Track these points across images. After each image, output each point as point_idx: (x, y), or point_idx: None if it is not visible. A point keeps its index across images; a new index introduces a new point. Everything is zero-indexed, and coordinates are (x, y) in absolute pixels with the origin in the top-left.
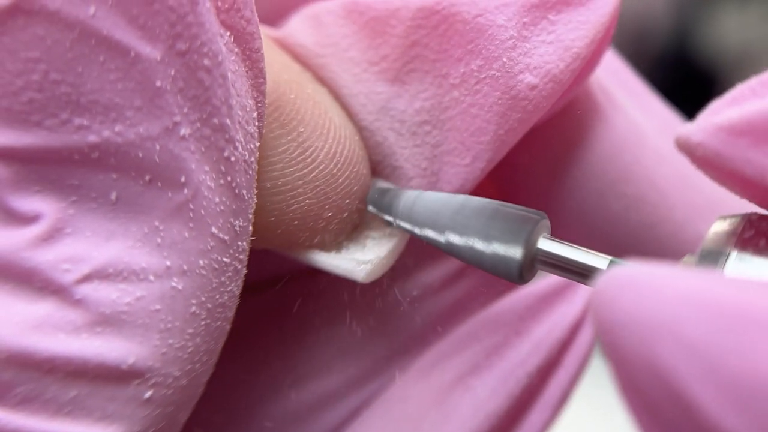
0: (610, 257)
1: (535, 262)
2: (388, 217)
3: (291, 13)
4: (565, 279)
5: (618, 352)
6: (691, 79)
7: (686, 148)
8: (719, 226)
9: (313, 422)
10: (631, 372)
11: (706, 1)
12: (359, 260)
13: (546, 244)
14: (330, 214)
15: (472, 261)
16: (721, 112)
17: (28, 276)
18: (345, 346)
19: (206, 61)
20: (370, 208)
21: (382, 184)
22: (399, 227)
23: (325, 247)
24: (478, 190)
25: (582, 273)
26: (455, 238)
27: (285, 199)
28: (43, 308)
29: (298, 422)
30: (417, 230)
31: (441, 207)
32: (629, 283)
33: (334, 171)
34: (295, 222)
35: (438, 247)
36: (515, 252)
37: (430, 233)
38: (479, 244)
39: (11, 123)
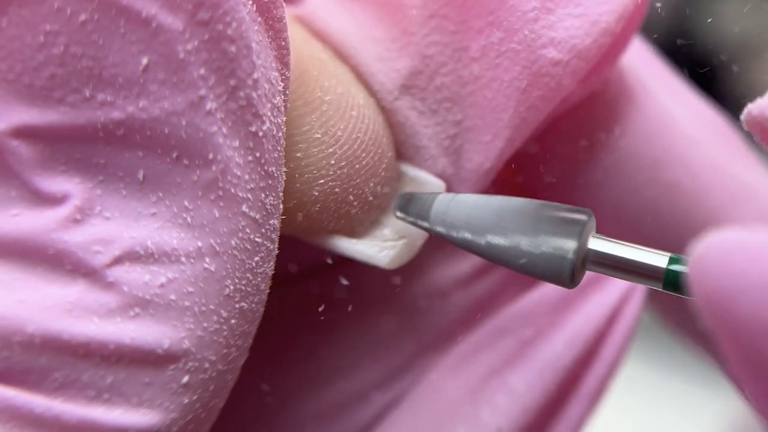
0: (668, 253)
1: (586, 263)
2: (420, 222)
3: None
4: None
5: (735, 319)
6: (690, 69)
7: (759, 122)
8: None
9: (345, 420)
10: (752, 339)
11: None
12: (382, 246)
13: (598, 243)
14: (353, 197)
15: (516, 264)
16: None
17: (58, 258)
18: (375, 343)
19: (230, 31)
20: (398, 214)
21: (408, 190)
22: (433, 232)
23: (348, 232)
24: (504, 184)
25: (638, 272)
26: (497, 240)
27: (307, 181)
28: (75, 291)
29: (329, 420)
30: (454, 234)
31: (478, 208)
32: (737, 248)
33: (358, 152)
34: (318, 206)
35: (477, 252)
36: (567, 252)
37: (468, 236)
38: (525, 245)
39: (34, 100)
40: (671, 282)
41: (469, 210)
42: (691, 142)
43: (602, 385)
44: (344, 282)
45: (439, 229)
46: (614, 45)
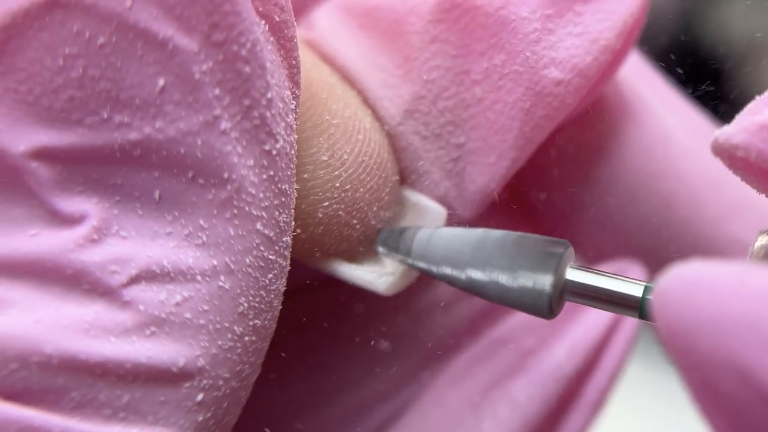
0: (644, 282)
1: (564, 294)
2: (400, 257)
3: (309, 9)
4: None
5: (694, 353)
6: (697, 71)
7: (725, 149)
8: (763, 240)
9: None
10: (710, 374)
11: None
12: (381, 272)
13: (575, 274)
14: (356, 221)
15: (496, 297)
16: (761, 111)
17: (76, 278)
18: (377, 355)
19: (244, 52)
20: (381, 249)
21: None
22: (415, 267)
23: (348, 256)
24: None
25: (615, 302)
26: (477, 274)
27: (312, 203)
28: (92, 311)
29: None
30: (434, 269)
31: (458, 242)
32: (698, 282)
33: (363, 176)
34: (321, 228)
35: (457, 285)
36: (544, 285)
37: (449, 271)
38: (504, 279)
39: (52, 122)
40: (646, 311)
41: (449, 244)
42: (687, 154)
43: (603, 394)
44: (346, 295)
45: (421, 264)
46: (614, 60)
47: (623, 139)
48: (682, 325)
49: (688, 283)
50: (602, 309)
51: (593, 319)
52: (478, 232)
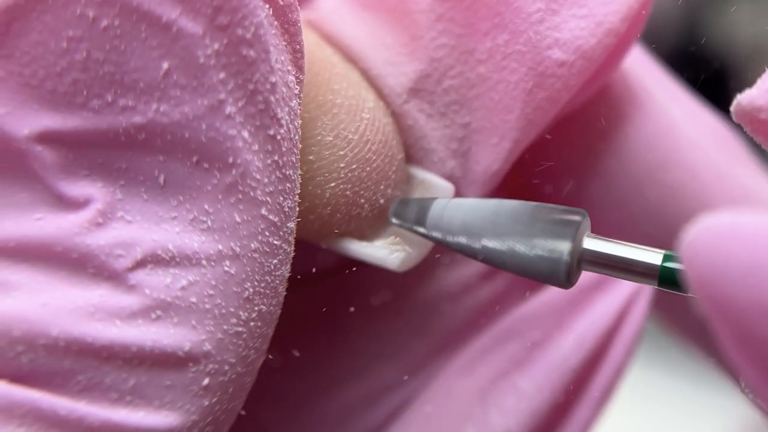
0: (663, 251)
1: (581, 263)
2: (416, 228)
3: None
4: None
5: (728, 301)
6: (703, 73)
7: (748, 112)
8: None
9: (356, 421)
10: (745, 321)
11: None
12: (392, 248)
13: (592, 243)
14: (363, 200)
15: (512, 266)
16: None
17: (81, 262)
18: (385, 346)
19: (248, 35)
20: (394, 221)
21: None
22: (429, 238)
23: (358, 235)
24: (509, 185)
25: (634, 270)
26: (493, 243)
27: (319, 184)
28: (97, 294)
29: (340, 422)
30: (450, 238)
31: (474, 212)
32: (730, 230)
33: (369, 155)
34: (329, 209)
35: (473, 256)
36: (562, 253)
37: (464, 240)
38: (521, 248)
39: (57, 106)
40: (666, 279)
41: (465, 214)
42: (692, 145)
43: (610, 386)
44: (354, 285)
45: (436, 234)
46: (619, 46)
47: (629, 129)
48: (716, 273)
49: (719, 231)
50: (620, 278)
51: (600, 312)
52: (494, 202)
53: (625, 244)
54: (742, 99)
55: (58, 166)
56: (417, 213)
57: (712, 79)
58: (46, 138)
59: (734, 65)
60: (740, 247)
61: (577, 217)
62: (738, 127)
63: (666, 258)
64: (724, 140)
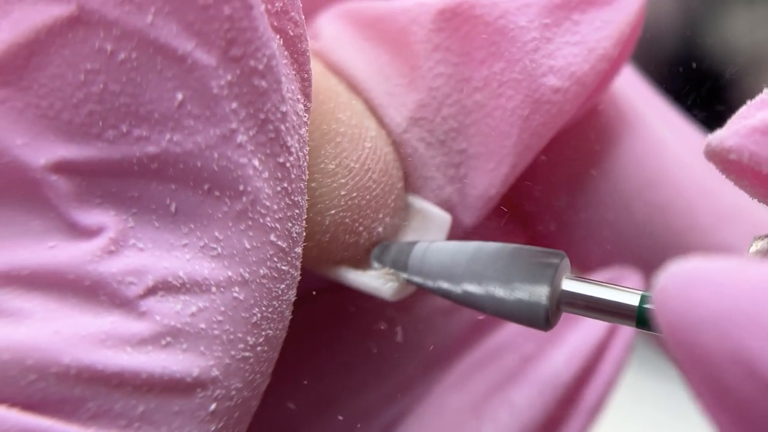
0: (641, 291)
1: (560, 305)
2: (397, 273)
3: (316, 14)
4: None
5: (697, 348)
6: (701, 83)
7: (718, 153)
8: (758, 246)
9: None
10: (713, 368)
11: (713, 4)
12: (387, 278)
13: (571, 285)
14: (362, 228)
15: (492, 310)
16: (753, 115)
17: (93, 290)
18: (380, 361)
19: (261, 66)
20: (376, 266)
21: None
22: (410, 282)
23: (354, 262)
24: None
25: (612, 312)
26: (473, 288)
27: (320, 211)
28: (108, 322)
29: None
30: (430, 283)
31: (453, 256)
32: (698, 277)
33: (369, 184)
34: (327, 236)
35: (454, 299)
36: (540, 297)
37: (445, 285)
38: (500, 292)
39: (72, 136)
40: (644, 320)
41: (444, 258)
42: (681, 164)
43: (601, 400)
44: (347, 303)
45: (417, 279)
46: (610, 69)
47: (618, 147)
48: (684, 320)
49: (689, 278)
50: (599, 319)
51: (591, 326)
52: (473, 245)
53: (603, 285)
54: (712, 140)
55: (72, 195)
56: (398, 257)
57: (709, 88)
58: (62, 168)
59: (732, 74)
60: (709, 294)
61: (555, 260)
62: None
63: (643, 299)
64: None
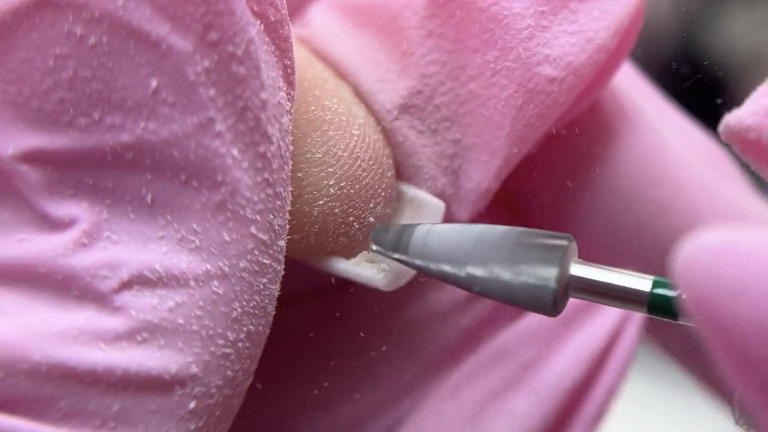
0: (652, 276)
1: (568, 290)
2: (396, 256)
3: (304, 8)
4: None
5: (724, 321)
6: (699, 83)
7: (737, 132)
8: None
9: None
10: (741, 341)
11: (712, 4)
12: (380, 267)
13: (579, 269)
14: (352, 218)
15: (497, 295)
16: None
17: (65, 284)
18: (374, 366)
19: (239, 52)
20: (374, 248)
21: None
22: (411, 265)
23: (346, 253)
24: (496, 203)
25: (622, 297)
26: (477, 271)
27: (307, 202)
28: (82, 317)
29: None
30: (432, 266)
31: (457, 238)
32: (724, 248)
33: (358, 172)
34: (316, 227)
35: (457, 284)
36: (548, 280)
37: (447, 268)
38: (506, 275)
39: (42, 124)
40: (656, 306)
41: (448, 241)
42: (682, 162)
43: (603, 409)
44: (343, 304)
45: (418, 262)
46: (609, 61)
47: (619, 145)
48: (711, 292)
49: (714, 250)
50: (609, 305)
51: (593, 331)
52: (478, 228)
53: (613, 270)
54: (730, 119)
55: (43, 186)
56: (398, 240)
57: (708, 88)
58: (32, 157)
59: (731, 74)
60: (735, 265)
61: (563, 242)
62: (728, 145)
63: (656, 284)
64: (714, 157)
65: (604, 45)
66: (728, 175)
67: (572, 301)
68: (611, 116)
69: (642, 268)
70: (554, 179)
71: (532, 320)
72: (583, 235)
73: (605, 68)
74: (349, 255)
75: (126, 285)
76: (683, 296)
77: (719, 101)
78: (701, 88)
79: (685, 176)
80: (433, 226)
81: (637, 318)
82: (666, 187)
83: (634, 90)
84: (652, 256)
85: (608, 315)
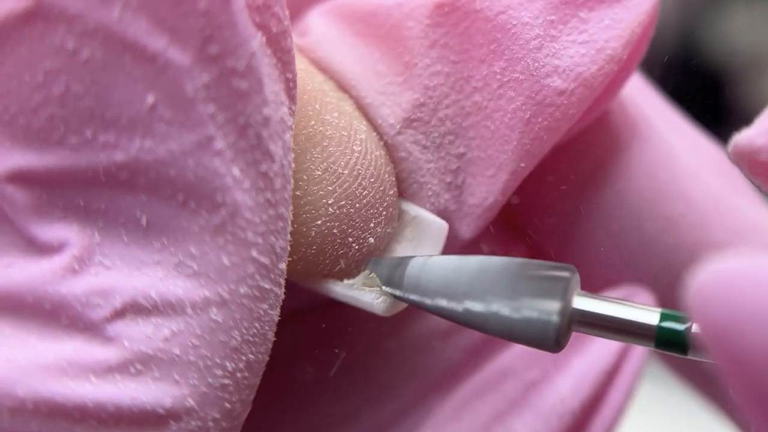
0: (660, 309)
1: (572, 324)
2: (390, 290)
3: (301, 14)
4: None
5: (741, 351)
6: (700, 83)
7: (746, 153)
8: None
9: None
10: (760, 371)
11: (713, 3)
12: (379, 292)
13: (583, 302)
14: (351, 239)
15: (497, 330)
16: None
17: (54, 313)
18: (373, 388)
19: (240, 66)
20: (367, 279)
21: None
22: (406, 300)
23: (345, 275)
24: (500, 218)
25: (629, 332)
26: (476, 306)
27: (305, 222)
28: (71, 348)
29: None
30: (428, 301)
31: (455, 272)
32: (740, 276)
33: (359, 191)
34: (314, 248)
35: (454, 319)
36: (550, 314)
37: (444, 303)
38: (505, 310)
39: (30, 143)
40: (664, 340)
41: (444, 274)
42: (692, 175)
43: (609, 430)
44: (339, 323)
45: (413, 297)
46: (620, 72)
47: (628, 158)
48: (728, 324)
49: (730, 278)
50: (614, 339)
51: (599, 350)
52: (476, 260)
53: (618, 302)
54: (740, 139)
55: (31, 208)
56: (392, 273)
57: (709, 88)
58: (18, 178)
59: (732, 74)
60: (756, 293)
61: (566, 274)
62: None
63: (664, 317)
64: (722, 169)
65: (615, 55)
66: (738, 187)
67: None
68: (620, 127)
69: (649, 286)
70: (560, 193)
71: None
72: (590, 251)
73: (616, 79)
74: (348, 276)
75: (119, 313)
76: (697, 328)
77: (719, 100)
78: (701, 88)
79: (696, 190)
80: (429, 258)
81: None
82: (676, 201)
83: (643, 99)
84: (660, 273)
85: None
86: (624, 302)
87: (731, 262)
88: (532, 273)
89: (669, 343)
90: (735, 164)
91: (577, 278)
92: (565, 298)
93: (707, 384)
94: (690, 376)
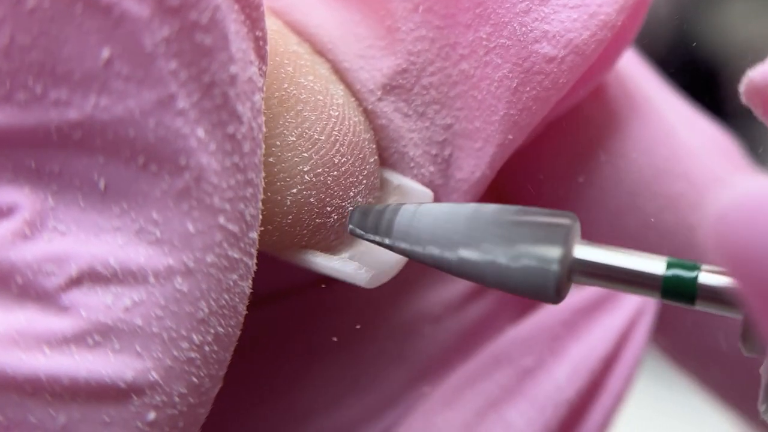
0: (665, 258)
1: (572, 273)
2: (378, 239)
3: None
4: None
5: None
6: (696, 74)
7: (761, 89)
8: None
9: None
10: None
11: None
12: (362, 263)
13: (584, 251)
14: (330, 208)
15: (493, 281)
16: None
17: (4, 280)
18: (360, 373)
19: (204, 20)
20: (354, 230)
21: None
22: (395, 249)
23: (324, 247)
24: (493, 194)
25: (633, 281)
26: (471, 254)
27: (279, 190)
28: (22, 318)
29: None
30: (419, 249)
31: (448, 219)
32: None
33: (336, 158)
34: (290, 217)
35: (447, 269)
36: (550, 261)
37: (437, 251)
38: (503, 258)
39: None
40: (671, 289)
41: (437, 221)
42: (691, 153)
43: (608, 419)
44: (324, 305)
45: (403, 245)
46: (615, 40)
47: (626, 134)
48: (754, 248)
49: (755, 202)
50: (618, 290)
51: (598, 336)
52: (471, 206)
53: (621, 251)
54: (755, 75)
55: None
56: (381, 221)
57: (705, 79)
58: None
59: (727, 65)
60: None
61: (566, 221)
62: (734, 134)
63: (670, 265)
64: (722, 147)
65: (609, 21)
66: (737, 165)
67: (572, 303)
68: (617, 103)
69: None
70: (556, 170)
71: (533, 323)
72: (587, 232)
73: (610, 48)
74: (327, 249)
75: (75, 282)
76: (721, 255)
77: (714, 93)
78: (697, 80)
79: (696, 168)
80: (420, 205)
81: (647, 319)
82: (675, 179)
83: (642, 78)
84: (659, 252)
85: (615, 316)
86: (628, 251)
87: (753, 187)
88: (530, 219)
89: (676, 293)
90: (748, 103)
91: (577, 226)
92: (566, 245)
93: (701, 367)
94: (684, 359)
